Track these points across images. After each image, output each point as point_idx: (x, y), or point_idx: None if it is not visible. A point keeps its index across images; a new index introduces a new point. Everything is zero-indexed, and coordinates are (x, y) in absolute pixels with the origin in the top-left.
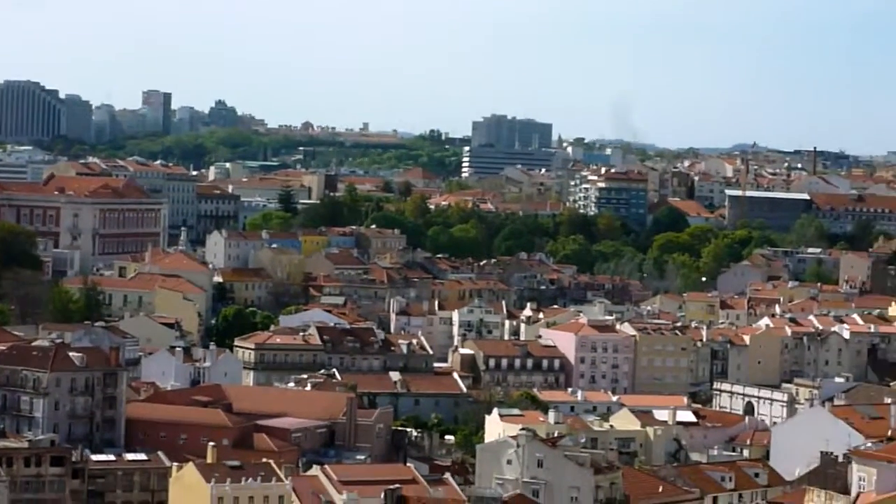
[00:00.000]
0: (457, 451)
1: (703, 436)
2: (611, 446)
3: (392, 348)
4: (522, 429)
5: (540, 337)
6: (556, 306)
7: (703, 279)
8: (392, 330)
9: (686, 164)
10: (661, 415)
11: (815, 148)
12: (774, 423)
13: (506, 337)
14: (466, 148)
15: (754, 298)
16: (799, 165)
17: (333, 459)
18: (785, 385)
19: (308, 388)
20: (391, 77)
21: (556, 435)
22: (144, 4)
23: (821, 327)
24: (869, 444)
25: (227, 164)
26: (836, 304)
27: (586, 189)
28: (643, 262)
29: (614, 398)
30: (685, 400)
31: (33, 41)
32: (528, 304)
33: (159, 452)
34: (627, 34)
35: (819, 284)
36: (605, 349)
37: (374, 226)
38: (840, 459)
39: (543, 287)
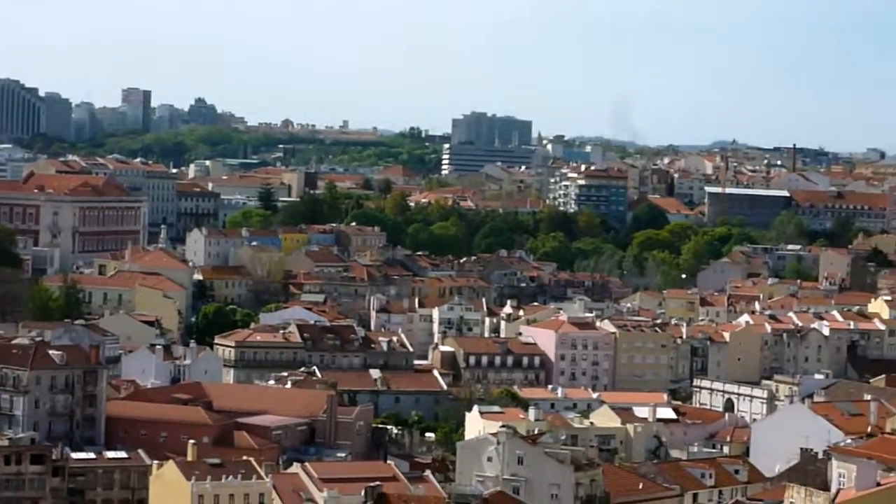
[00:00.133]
0: (437, 449)
1: (683, 433)
2: (591, 443)
3: (372, 346)
4: (503, 426)
5: (520, 334)
6: (536, 304)
7: (683, 276)
8: (372, 327)
9: (666, 161)
10: (641, 412)
11: (794, 145)
12: (754, 419)
13: (486, 334)
14: (446, 145)
15: (734, 295)
16: (778, 162)
17: (314, 457)
18: (765, 382)
19: (288, 385)
20: (371, 75)
21: (536, 432)
22: (125, 3)
23: (800, 324)
24: (849, 441)
25: (207, 162)
26: (815, 300)
27: (566, 186)
28: (623, 260)
29: (594, 395)
30: (665, 397)
31: (13, 39)
32: (509, 302)
33: (139, 450)
34: (607, 33)
35: (799, 281)
36: (586, 346)
37: (354, 223)
38: (820, 456)
39: (523, 284)
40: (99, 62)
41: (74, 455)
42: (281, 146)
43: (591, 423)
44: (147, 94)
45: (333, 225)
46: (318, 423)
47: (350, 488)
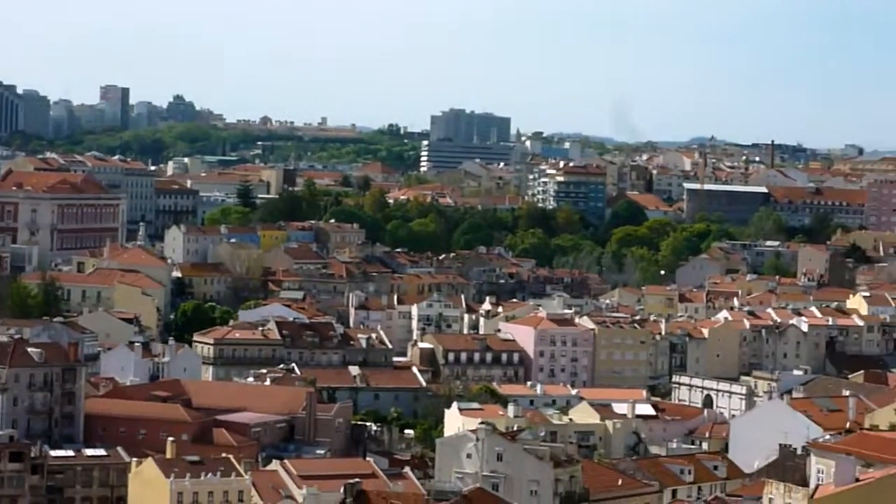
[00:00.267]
0: (416, 446)
1: (662, 429)
2: (570, 440)
3: (351, 343)
4: (482, 423)
5: (499, 331)
6: (515, 300)
7: (662, 272)
8: (351, 324)
9: (644, 157)
10: (621, 408)
11: (772, 141)
12: (733, 415)
13: (465, 331)
14: (425, 142)
15: (713, 291)
16: (757, 159)
17: (293, 454)
18: (743, 378)
19: (267, 382)
20: (349, 71)
21: (515, 429)
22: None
23: (779, 320)
24: (827, 437)
25: (186, 159)
26: (794, 296)
27: (545, 183)
28: (602, 256)
29: (573, 392)
30: (644, 393)
31: None
32: (487, 298)
33: (118, 448)
34: (586, 30)
35: (777, 277)
36: (564, 343)
37: (332, 220)
38: (798, 452)
39: (502, 281)
40: (77, 59)
41: (53, 453)
42: (259, 143)
43: (571, 419)
44: (125, 92)
45: (312, 222)
46: (298, 420)
47: (329, 485)
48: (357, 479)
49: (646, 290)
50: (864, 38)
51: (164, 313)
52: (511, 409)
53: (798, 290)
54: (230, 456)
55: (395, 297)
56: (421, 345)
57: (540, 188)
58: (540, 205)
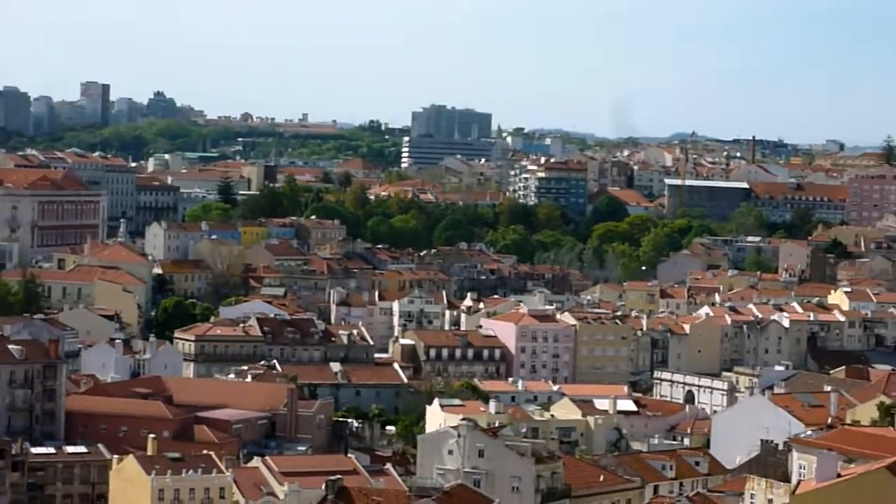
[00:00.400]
0: (398, 442)
1: (643, 425)
2: (552, 436)
3: (332, 339)
4: (463, 419)
5: (480, 327)
6: (496, 296)
7: (643, 268)
8: (332, 321)
9: (625, 153)
10: (602, 404)
11: (753, 137)
12: (715, 411)
13: (446, 327)
14: (406, 138)
15: (694, 287)
16: (738, 154)
17: (274, 451)
18: (725, 373)
19: (248, 379)
20: (330, 68)
21: (496, 425)
22: None
23: (760, 316)
24: (809, 432)
25: (167, 156)
26: (775, 292)
27: (526, 179)
28: (583, 252)
29: (555, 388)
30: (626, 389)
31: None
32: (469, 295)
33: (99, 445)
34: (565, 26)
35: (758, 273)
36: (546, 339)
37: (313, 216)
38: (780, 447)
39: (484, 277)
40: (57, 56)
41: (34, 450)
42: (240, 139)
43: (552, 415)
44: (106, 88)
45: (293, 218)
46: (279, 416)
47: (310, 482)
48: (338, 476)
49: (627, 285)
50: (845, 34)
51: (145, 310)
52: (492, 405)
53: (779, 286)
54: (211, 453)
55: (377, 293)
56: (402, 341)
57: (521, 184)
58: (521, 201)
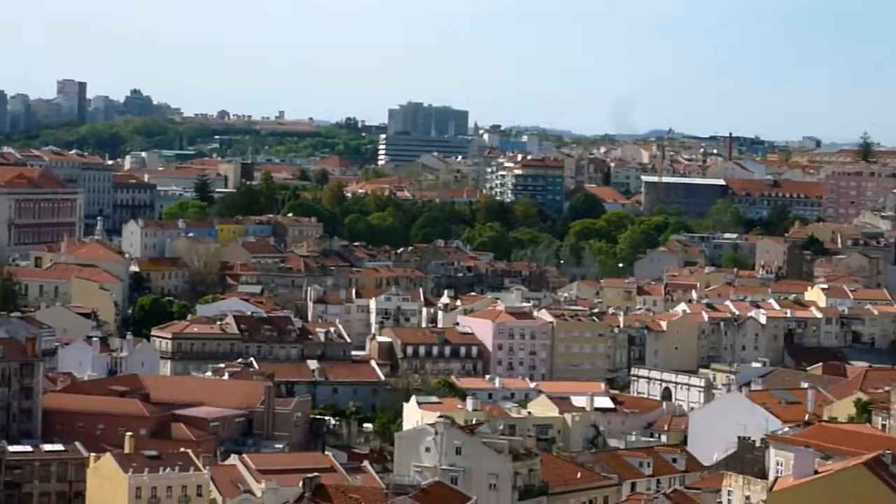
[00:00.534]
0: (375, 439)
1: (620, 422)
2: (529, 433)
3: (309, 337)
4: (440, 416)
5: (457, 324)
6: (473, 293)
7: (620, 265)
8: (309, 318)
9: (602, 150)
10: (579, 401)
11: (730, 134)
12: (692, 408)
13: (423, 324)
14: (383, 136)
15: (671, 284)
16: (714, 151)
17: (251, 448)
18: (702, 370)
19: (225, 377)
20: (307, 65)
21: (474, 422)
22: None
23: (737, 312)
24: (786, 429)
25: (143, 153)
26: (752, 289)
27: (503, 176)
28: (560, 249)
29: (532, 385)
30: (603, 386)
31: None
32: (446, 292)
33: (77, 443)
34: (542, 23)
35: (735, 270)
36: (523, 336)
37: (290, 214)
38: (757, 444)
39: (461, 274)
40: (34, 54)
41: (11, 448)
42: (217, 137)
43: (529, 412)
44: (82, 86)
45: (270, 216)
46: (256, 414)
47: (288, 479)
48: (316, 473)
49: (604, 282)
50: (821, 31)
51: (122, 308)
52: (469, 402)
53: (756, 283)
54: (188, 450)
55: (354, 290)
56: (379, 338)
57: (498, 181)
58: (498, 198)
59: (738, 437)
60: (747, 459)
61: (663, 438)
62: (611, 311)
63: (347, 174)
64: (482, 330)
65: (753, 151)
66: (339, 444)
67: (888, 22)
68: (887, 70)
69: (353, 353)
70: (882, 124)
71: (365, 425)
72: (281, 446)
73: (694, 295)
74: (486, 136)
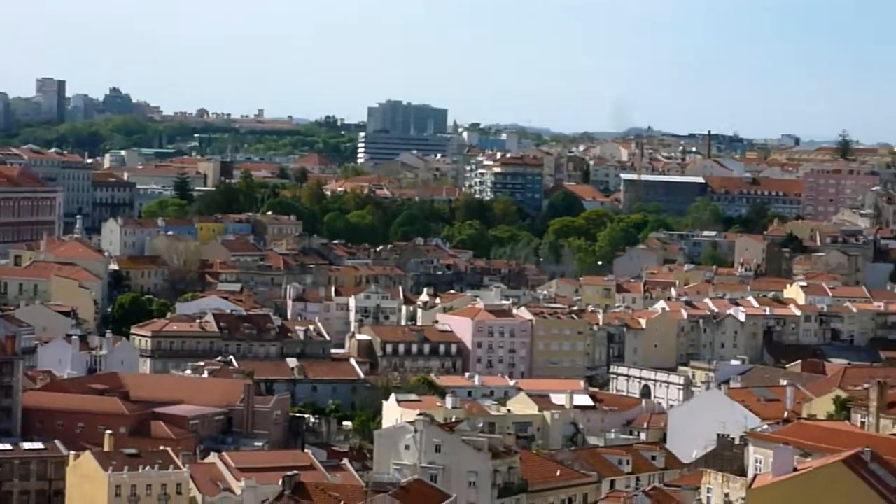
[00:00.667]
0: (354, 437)
1: (600, 419)
2: (508, 430)
3: (289, 335)
4: (420, 414)
5: (437, 322)
6: (452, 291)
7: (599, 263)
8: (289, 316)
9: (581, 148)
10: (559, 399)
11: (709, 131)
12: (671, 406)
13: (403, 322)
14: (362, 134)
15: (650, 282)
16: (693, 149)
17: (231, 446)
18: (681, 368)
19: (205, 375)
20: (286, 63)
21: (453, 420)
22: None
23: (716, 310)
24: (765, 426)
25: (123, 152)
26: (731, 286)
27: (482, 174)
28: (539, 247)
29: (511, 382)
30: (582, 384)
31: None
32: (425, 290)
33: (56, 441)
34: (519, 19)
35: (714, 267)
36: (502, 334)
37: (270, 212)
38: (737, 442)
39: (440, 272)
40: (13, 52)
41: None
42: (196, 135)
43: (509, 410)
44: (62, 84)
45: (249, 214)
46: (235, 412)
47: (267, 477)
48: (295, 472)
49: (583, 280)
50: (799, 27)
51: (102, 306)
52: (449, 400)
53: (735, 280)
54: (168, 449)
55: (333, 288)
56: (359, 336)
57: (477, 179)
58: (477, 196)
59: (718, 435)
60: (726, 457)
61: (642, 436)
62: (590, 308)
63: (327, 172)
64: (461, 328)
65: (732, 149)
66: (318, 442)
67: (867, 20)
68: (866, 68)
69: (333, 351)
70: (860, 122)
71: (344, 423)
72: (260, 444)
73: (673, 293)
74: (465, 135)
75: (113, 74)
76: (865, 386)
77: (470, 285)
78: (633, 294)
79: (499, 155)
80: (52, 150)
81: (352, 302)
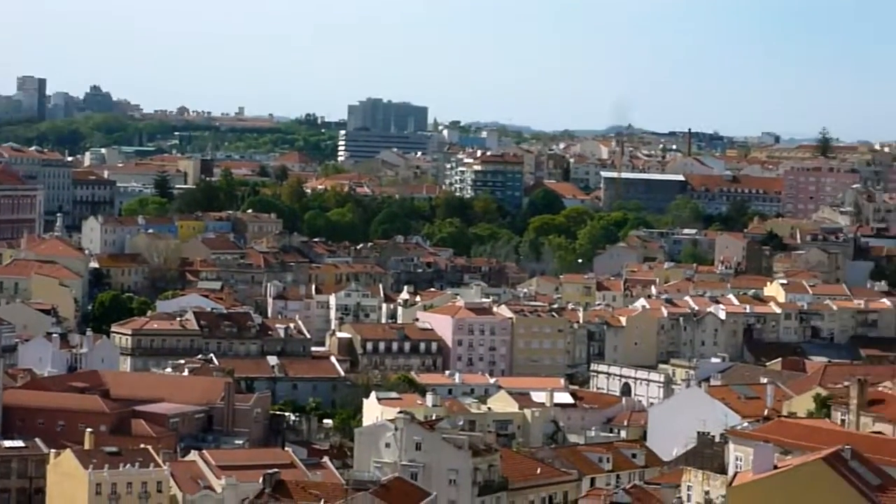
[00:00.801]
0: (335, 435)
1: (580, 417)
2: (489, 428)
3: (269, 333)
4: (400, 412)
5: (417, 320)
6: (432, 289)
7: (580, 261)
8: (269, 314)
9: (561, 146)
10: (539, 397)
11: (689, 129)
12: (651, 403)
13: (383, 320)
14: (342, 132)
15: (630, 280)
16: (674, 147)
17: (212, 444)
18: (661, 366)
19: (185, 373)
20: (266, 61)
21: (433, 418)
22: None
23: (697, 308)
24: (745, 424)
25: (103, 150)
26: (711, 284)
27: (462, 172)
28: (519, 245)
29: (492, 380)
30: (562, 381)
31: None
32: (405, 288)
33: (37, 439)
34: (499, 17)
35: (695, 265)
36: (483, 332)
37: (250, 210)
38: (717, 439)
39: (420, 270)
40: None
41: None
42: (177, 133)
43: (489, 408)
44: (42, 82)
45: (230, 212)
46: (216, 410)
47: (248, 475)
48: (276, 470)
49: (563, 278)
50: (779, 24)
51: (82, 304)
52: (429, 398)
53: (715, 278)
54: (148, 447)
55: (313, 286)
56: (339, 334)
57: (457, 177)
58: (457, 194)
59: (698, 433)
60: (707, 455)
61: (623, 434)
62: (570, 306)
63: (307, 170)
64: (442, 326)
65: (712, 147)
66: (298, 440)
67: (848, 19)
68: (846, 65)
69: (313, 348)
70: (841, 120)
71: (325, 421)
72: (241, 442)
73: (653, 290)
74: (445, 133)
75: (93, 73)
76: (845, 384)
77: (450, 283)
78: (613, 292)
79: (479, 153)
80: (33, 148)
81: (332, 300)
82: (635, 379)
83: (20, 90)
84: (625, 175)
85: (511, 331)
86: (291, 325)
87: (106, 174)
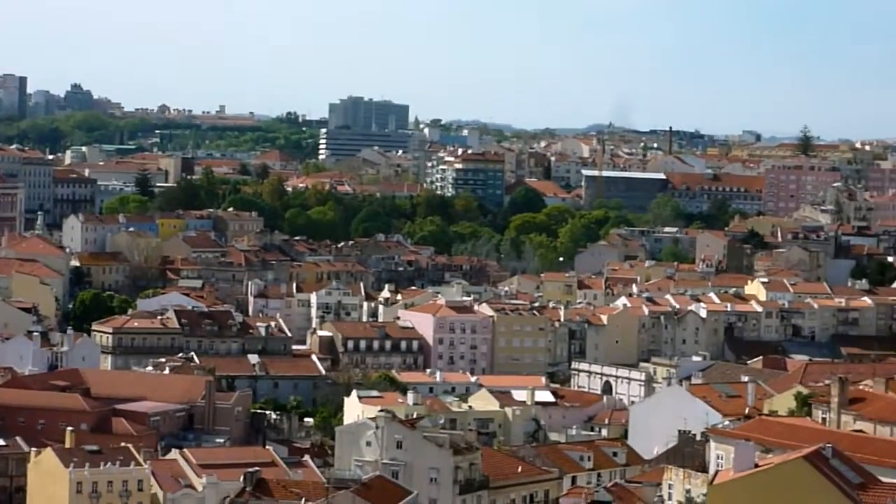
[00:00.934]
0: (316, 434)
1: (561, 415)
2: (470, 427)
3: (250, 331)
4: (381, 410)
5: (398, 318)
6: (414, 288)
7: (561, 259)
8: (250, 313)
9: (542, 144)
10: (520, 395)
11: (670, 128)
12: (632, 402)
13: (364, 319)
14: (323, 130)
15: (611, 278)
16: (655, 145)
17: (192, 443)
18: (643, 364)
19: (166, 371)
20: (247, 59)
21: (415, 416)
22: None
23: (678, 306)
24: (726, 423)
25: (84, 148)
26: (692, 283)
27: (443, 170)
28: (500, 243)
29: (473, 379)
30: (543, 380)
31: None
32: (386, 286)
33: (17, 438)
34: (479, 14)
35: (676, 264)
36: (464, 330)
37: (231, 209)
38: (698, 438)
39: (401, 268)
40: None
41: None
42: (157, 132)
43: (470, 406)
44: (23, 81)
45: (211, 210)
46: (197, 408)
47: (229, 474)
48: (257, 468)
49: (544, 276)
50: (760, 23)
51: (63, 303)
52: (410, 396)
53: (696, 277)
54: (129, 445)
55: (294, 285)
56: (320, 333)
57: (438, 175)
58: (438, 192)
59: (679, 431)
60: (688, 453)
61: (604, 432)
62: (551, 304)
63: (288, 168)
64: (423, 324)
65: (693, 145)
66: (279, 439)
67: (828, 18)
68: (827, 64)
69: (294, 347)
70: (822, 118)
71: (306, 419)
72: (222, 441)
73: (634, 289)
74: (426, 131)
75: (74, 71)
76: (826, 382)
77: (431, 281)
78: (594, 290)
79: (460, 151)
80: (14, 146)
81: (313, 298)
82: (616, 377)
83: (1, 88)
84: (606, 173)
85: (492, 329)
86: (272, 324)
87: (87, 172)
